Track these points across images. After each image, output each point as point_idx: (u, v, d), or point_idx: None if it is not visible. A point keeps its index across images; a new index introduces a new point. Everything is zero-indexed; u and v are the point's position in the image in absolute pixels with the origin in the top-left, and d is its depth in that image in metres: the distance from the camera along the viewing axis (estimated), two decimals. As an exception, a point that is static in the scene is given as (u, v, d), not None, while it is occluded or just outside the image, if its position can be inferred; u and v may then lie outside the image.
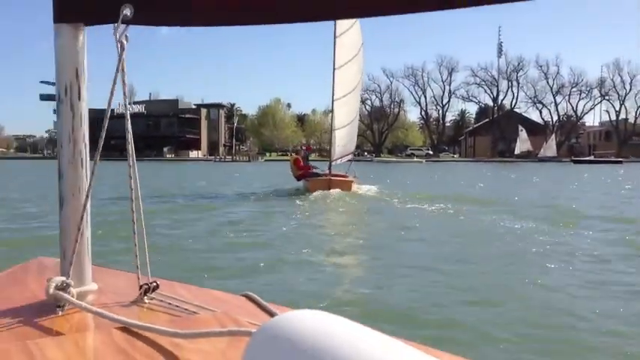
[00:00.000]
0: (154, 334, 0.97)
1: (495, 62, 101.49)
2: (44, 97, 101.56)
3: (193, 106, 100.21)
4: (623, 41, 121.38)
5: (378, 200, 16.28)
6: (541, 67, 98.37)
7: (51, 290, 1.11)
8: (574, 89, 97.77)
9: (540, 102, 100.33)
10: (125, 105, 1.27)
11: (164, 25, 1.19)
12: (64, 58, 1.16)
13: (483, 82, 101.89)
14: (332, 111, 21.31)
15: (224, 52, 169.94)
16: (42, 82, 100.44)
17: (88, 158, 1.21)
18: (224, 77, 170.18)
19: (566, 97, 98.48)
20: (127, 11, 1.08)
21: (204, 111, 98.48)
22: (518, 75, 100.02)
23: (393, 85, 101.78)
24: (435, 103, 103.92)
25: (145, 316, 1.11)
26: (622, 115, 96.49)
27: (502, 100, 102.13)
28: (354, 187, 18.64)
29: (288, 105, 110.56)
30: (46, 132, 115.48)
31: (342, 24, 19.30)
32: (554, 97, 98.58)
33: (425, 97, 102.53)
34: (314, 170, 19.58)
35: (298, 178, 19.58)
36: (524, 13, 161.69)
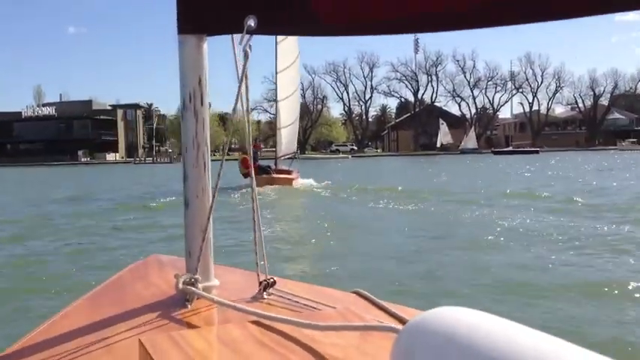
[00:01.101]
0: (287, 326, 1.01)
1: (417, 56, 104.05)
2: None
3: (108, 107, 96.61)
4: (534, 35, 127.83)
5: (319, 193, 18.25)
6: (458, 61, 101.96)
7: (180, 285, 1.18)
8: (490, 82, 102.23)
9: (459, 96, 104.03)
10: (247, 110, 1.35)
11: (286, 34, 1.24)
12: (188, 67, 1.24)
13: (404, 77, 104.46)
14: (276, 111, 23.91)
15: (138, 49, 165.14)
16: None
17: (210, 160, 1.28)
18: (140, 76, 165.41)
19: (483, 91, 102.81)
20: (252, 22, 1.13)
21: (120, 112, 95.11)
22: (437, 70, 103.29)
23: (316, 82, 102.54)
24: (358, 98, 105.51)
25: (270, 310, 1.13)
26: (535, 107, 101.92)
27: (422, 95, 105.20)
28: (295, 182, 20.82)
29: (209, 104, 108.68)
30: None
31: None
32: (471, 91, 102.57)
33: (347, 92, 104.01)
34: (263, 167, 21.26)
35: (245, 176, 20.35)
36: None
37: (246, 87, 1.26)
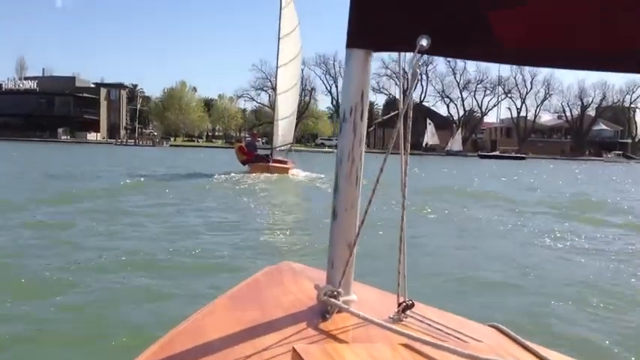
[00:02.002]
0: (436, 352, 1.01)
1: (405, 55, 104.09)
2: None
3: (92, 85, 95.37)
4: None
5: (311, 183, 19.42)
6: (449, 62, 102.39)
7: (322, 297, 1.21)
8: (479, 85, 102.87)
9: (448, 96, 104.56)
10: (406, 109, 1.28)
11: (461, 58, 1.24)
12: (353, 81, 1.25)
13: (394, 75, 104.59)
14: (275, 104, 25.22)
15: (127, 28, 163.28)
16: None
17: (362, 174, 1.27)
18: (126, 56, 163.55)
19: (472, 93, 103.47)
20: (424, 42, 1.12)
21: (103, 91, 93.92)
22: (428, 69, 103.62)
23: (305, 73, 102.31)
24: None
25: (413, 333, 1.12)
26: (522, 113, 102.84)
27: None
28: (291, 172, 22.30)
29: (194, 89, 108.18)
30: None
31: (287, 25, 24.02)
32: (460, 93, 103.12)
33: (336, 86, 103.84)
34: (262, 156, 23.04)
35: (243, 163, 22.66)
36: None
37: (409, 105, 1.26)
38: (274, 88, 27.15)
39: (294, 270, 1.54)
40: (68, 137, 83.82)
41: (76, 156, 38.81)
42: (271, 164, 22.28)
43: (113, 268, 5.97)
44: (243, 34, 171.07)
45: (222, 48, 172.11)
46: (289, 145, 25.87)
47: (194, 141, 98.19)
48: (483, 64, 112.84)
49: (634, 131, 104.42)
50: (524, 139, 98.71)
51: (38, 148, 50.97)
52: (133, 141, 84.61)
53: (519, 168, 44.14)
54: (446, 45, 1.18)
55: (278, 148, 24.66)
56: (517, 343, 1.21)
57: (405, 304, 1.26)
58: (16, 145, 54.30)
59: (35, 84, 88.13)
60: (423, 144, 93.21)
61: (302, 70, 36.68)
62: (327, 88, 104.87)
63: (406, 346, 1.05)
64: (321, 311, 1.22)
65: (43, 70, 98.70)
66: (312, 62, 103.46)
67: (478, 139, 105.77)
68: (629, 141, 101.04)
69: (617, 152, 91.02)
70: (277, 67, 24.52)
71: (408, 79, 1.28)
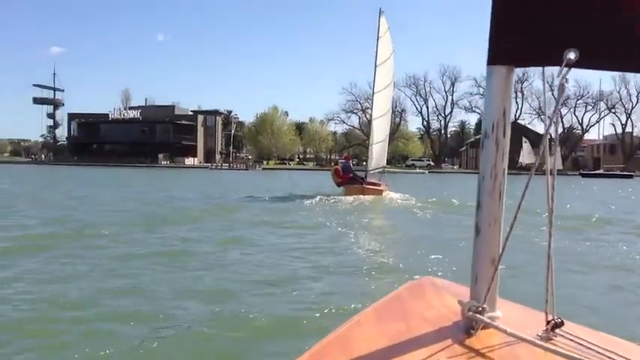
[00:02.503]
0: None
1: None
2: (37, 101, 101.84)
3: (190, 113, 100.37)
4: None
5: (405, 205, 19.72)
6: (546, 78, 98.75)
7: (467, 312, 1.22)
8: (579, 101, 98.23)
9: (544, 114, 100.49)
10: (556, 140, 1.35)
11: (609, 69, 1.23)
12: (495, 98, 1.25)
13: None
14: (370, 128, 26.61)
15: (221, 57, 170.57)
16: (35, 85, 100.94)
17: (505, 189, 1.27)
18: (222, 84, 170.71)
19: (572, 109, 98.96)
20: (572, 55, 1.12)
21: (200, 117, 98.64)
22: (523, 86, 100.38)
23: (395, 94, 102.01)
24: (437, 113, 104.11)
25: (564, 351, 1.12)
26: (627, 129, 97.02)
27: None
28: (385, 194, 23.07)
29: (286, 113, 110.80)
30: (41, 136, 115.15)
31: (383, 54, 25.51)
32: (559, 110, 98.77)
33: (427, 106, 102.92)
34: (357, 178, 23.70)
35: (338, 185, 23.54)
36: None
37: (557, 120, 1.27)
38: (364, 110, 28.28)
39: (435, 285, 1.55)
40: (168, 162, 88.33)
41: (174, 180, 40.63)
42: (366, 186, 22.92)
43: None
44: (334, 57, 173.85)
45: (312, 73, 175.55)
46: (382, 168, 26.64)
47: (285, 164, 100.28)
48: (583, 80, 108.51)
49: None
50: (630, 156, 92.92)
51: (139, 173, 54.01)
52: (227, 165, 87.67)
53: (629, 187, 41.48)
54: (593, 57, 1.15)
55: (372, 171, 25.58)
56: None
57: (554, 321, 1.22)
58: (121, 171, 57.97)
59: (138, 113, 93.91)
60: (519, 163, 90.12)
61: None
62: (417, 108, 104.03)
63: None
64: (466, 327, 1.21)
65: (146, 100, 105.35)
66: (402, 83, 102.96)
67: (579, 156, 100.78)
68: None
69: None
70: (373, 94, 26.16)
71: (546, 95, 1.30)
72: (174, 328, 4.82)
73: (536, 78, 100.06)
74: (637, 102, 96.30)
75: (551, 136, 1.26)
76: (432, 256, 8.42)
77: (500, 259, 1.24)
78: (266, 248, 9.39)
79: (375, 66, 25.45)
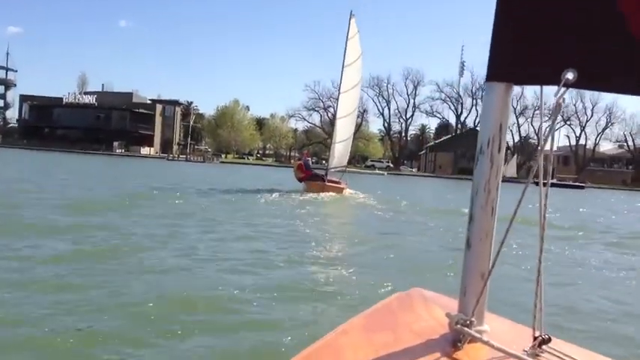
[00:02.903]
0: None
1: (462, 79, 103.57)
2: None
3: (148, 101, 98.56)
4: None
5: (364, 204, 20.71)
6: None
7: (454, 325, 1.22)
8: (537, 112, 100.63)
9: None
10: (551, 150, 1.30)
11: (606, 91, 1.23)
12: (492, 113, 1.27)
13: (448, 99, 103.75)
14: (334, 128, 27.20)
15: (185, 48, 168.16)
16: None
17: (498, 205, 1.27)
18: (184, 75, 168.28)
19: (529, 120, 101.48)
20: (570, 75, 1.13)
21: (159, 107, 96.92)
22: (484, 94, 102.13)
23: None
24: (399, 115, 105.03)
25: None
26: (581, 141, 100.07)
27: (465, 118, 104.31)
28: (345, 192, 23.72)
29: (247, 108, 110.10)
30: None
31: (352, 55, 25.97)
32: (517, 119, 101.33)
33: (389, 108, 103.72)
34: (319, 175, 24.60)
35: (300, 180, 24.14)
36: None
37: (552, 139, 1.27)
38: (326, 109, 28.47)
39: (425, 297, 1.56)
40: (122, 151, 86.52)
41: (125, 169, 39.91)
42: (327, 183, 23.62)
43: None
44: (298, 55, 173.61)
45: (276, 69, 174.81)
46: (344, 167, 27.07)
47: (244, 158, 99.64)
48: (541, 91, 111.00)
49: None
50: (582, 167, 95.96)
51: (92, 160, 52.80)
52: (184, 156, 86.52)
53: (580, 198, 42.79)
54: (592, 78, 1.17)
55: (332, 169, 26.03)
56: None
57: (541, 337, 1.23)
58: (72, 157, 56.50)
59: (94, 99, 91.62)
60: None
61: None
62: (379, 110, 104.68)
63: None
64: (453, 340, 1.22)
65: (103, 85, 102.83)
66: (365, 84, 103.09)
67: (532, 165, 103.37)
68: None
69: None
70: (339, 94, 26.74)
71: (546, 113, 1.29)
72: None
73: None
74: (592, 115, 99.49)
75: (547, 152, 1.27)
76: (381, 251, 8.92)
77: (490, 274, 1.25)
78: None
79: (343, 66, 26.00)
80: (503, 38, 1.24)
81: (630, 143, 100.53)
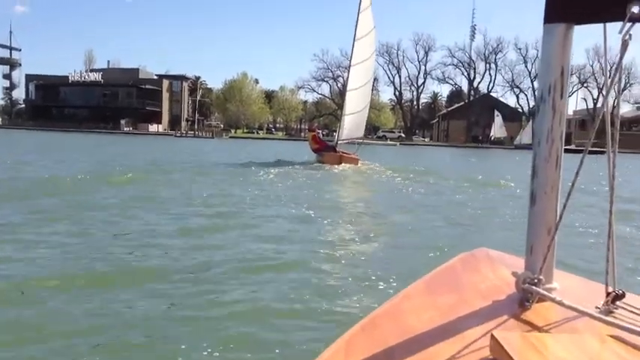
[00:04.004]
0: None
1: (474, 44, 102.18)
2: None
3: (155, 77, 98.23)
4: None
5: (379, 173, 20.93)
6: (520, 49, 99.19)
7: (522, 284, 1.19)
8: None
9: (518, 87, 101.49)
10: (618, 104, 1.30)
11: None
12: (553, 57, 1.23)
13: (460, 64, 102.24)
14: (344, 100, 27.09)
15: (194, 22, 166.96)
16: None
17: (563, 156, 1.25)
18: (192, 49, 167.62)
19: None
20: (635, 9, 1.08)
21: (166, 82, 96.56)
22: (497, 57, 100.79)
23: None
24: (410, 83, 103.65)
25: (625, 324, 1.07)
26: (599, 104, 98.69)
27: (479, 84, 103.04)
28: (359, 163, 23.42)
29: (256, 80, 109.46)
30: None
31: (363, 28, 25.71)
32: (531, 82, 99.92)
33: (399, 76, 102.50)
34: (332, 146, 24.75)
35: (315, 151, 24.59)
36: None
37: (619, 80, 1.26)
38: (335, 79, 28.25)
39: (490, 257, 1.53)
40: (130, 129, 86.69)
41: (131, 146, 39.91)
42: (344, 155, 23.54)
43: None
44: (307, 25, 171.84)
45: (285, 40, 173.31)
46: (361, 139, 27.00)
47: (254, 133, 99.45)
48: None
49: None
50: (602, 132, 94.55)
51: (96, 139, 52.63)
52: (192, 133, 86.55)
53: (603, 163, 42.20)
54: None
55: (341, 142, 25.88)
56: None
57: (614, 293, 1.19)
58: (78, 136, 56.68)
59: (100, 76, 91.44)
60: (490, 136, 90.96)
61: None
62: (389, 78, 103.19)
63: (616, 338, 1.00)
64: (521, 299, 1.19)
65: (108, 62, 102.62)
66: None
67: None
68: None
69: None
70: (350, 66, 26.51)
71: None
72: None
73: (510, 49, 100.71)
74: (612, 77, 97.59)
75: (614, 106, 1.24)
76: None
77: (557, 229, 1.21)
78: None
79: (354, 39, 25.66)
80: None
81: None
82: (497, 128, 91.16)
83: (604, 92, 1.21)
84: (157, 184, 13.64)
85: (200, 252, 6.45)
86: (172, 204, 10.51)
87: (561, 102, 1.24)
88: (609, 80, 1.25)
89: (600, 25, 1.19)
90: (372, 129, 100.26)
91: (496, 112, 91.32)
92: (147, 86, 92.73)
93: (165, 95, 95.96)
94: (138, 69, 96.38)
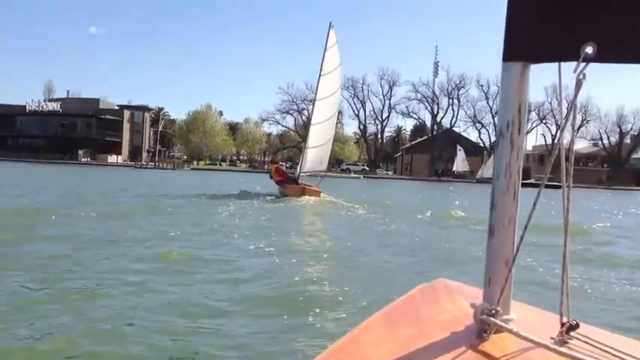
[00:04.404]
0: None
1: (437, 79, 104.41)
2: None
3: (116, 107, 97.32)
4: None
5: (340, 205, 21.08)
6: (482, 86, 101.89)
7: (479, 315, 1.21)
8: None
9: (479, 122, 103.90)
10: (572, 141, 1.32)
11: (628, 62, 1.18)
12: (510, 94, 1.26)
13: (424, 99, 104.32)
14: (307, 133, 27.59)
15: (158, 54, 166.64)
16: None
17: (520, 190, 1.27)
18: (156, 81, 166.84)
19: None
20: (590, 49, 1.11)
21: (127, 113, 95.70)
22: (459, 93, 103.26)
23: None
24: (375, 117, 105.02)
25: (579, 355, 1.10)
26: (557, 140, 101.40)
27: (442, 118, 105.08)
28: (322, 196, 23.66)
29: (220, 112, 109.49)
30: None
31: (330, 64, 26.42)
32: (493, 118, 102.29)
33: (364, 110, 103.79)
34: (294, 179, 25.03)
35: (278, 183, 24.87)
36: (464, 33, 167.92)
37: (574, 117, 1.29)
38: (300, 111, 28.49)
39: (449, 288, 1.54)
40: (88, 159, 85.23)
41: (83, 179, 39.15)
42: (307, 187, 23.90)
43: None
44: (272, 58, 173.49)
45: (251, 73, 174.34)
46: (324, 172, 27.39)
47: (217, 165, 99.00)
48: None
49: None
50: (558, 166, 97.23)
51: (48, 170, 51.43)
52: (152, 164, 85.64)
53: (557, 197, 43.29)
54: (612, 51, 1.15)
55: (303, 174, 26.22)
56: None
57: (568, 324, 1.21)
58: (33, 167, 55.43)
59: (58, 106, 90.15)
60: (453, 170, 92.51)
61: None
62: (354, 112, 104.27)
63: None
64: (479, 330, 1.21)
65: (68, 92, 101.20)
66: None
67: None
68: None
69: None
70: (315, 101, 27.20)
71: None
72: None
73: (472, 86, 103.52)
74: (567, 114, 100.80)
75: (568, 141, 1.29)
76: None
77: (514, 261, 1.23)
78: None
79: (320, 75, 26.41)
80: (518, 16, 1.23)
81: (605, 141, 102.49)
82: (460, 162, 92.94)
83: (560, 128, 1.25)
84: (79, 220, 12.73)
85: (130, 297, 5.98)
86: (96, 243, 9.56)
87: (519, 137, 1.28)
88: (564, 118, 1.28)
89: (556, 64, 1.23)
90: (335, 162, 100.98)
91: (458, 147, 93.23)
92: (107, 116, 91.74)
93: (127, 126, 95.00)
94: (98, 99, 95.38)
